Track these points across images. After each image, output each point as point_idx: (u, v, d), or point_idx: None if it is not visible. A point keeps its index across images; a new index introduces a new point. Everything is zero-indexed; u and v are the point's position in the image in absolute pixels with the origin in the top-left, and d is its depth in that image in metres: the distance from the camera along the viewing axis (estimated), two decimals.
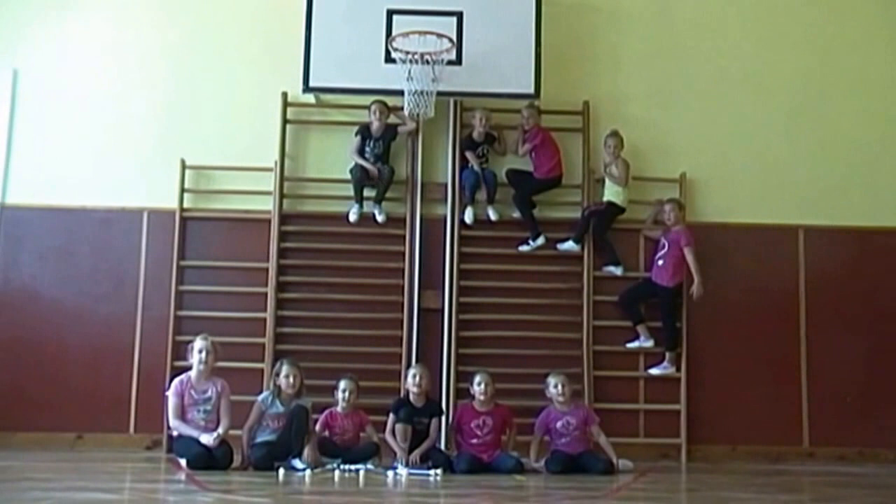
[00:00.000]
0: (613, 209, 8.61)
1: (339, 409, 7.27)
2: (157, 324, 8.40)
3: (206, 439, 6.81)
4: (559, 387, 7.34)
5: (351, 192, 8.53)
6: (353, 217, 8.52)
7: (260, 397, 7.18)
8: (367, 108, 8.50)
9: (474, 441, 7.24)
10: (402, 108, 8.34)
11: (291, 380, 7.07)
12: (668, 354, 8.52)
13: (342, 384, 7.27)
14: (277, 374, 7.15)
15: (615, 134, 8.62)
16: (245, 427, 7.03)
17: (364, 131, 8.56)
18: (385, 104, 8.50)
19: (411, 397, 7.30)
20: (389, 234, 8.64)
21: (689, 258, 8.41)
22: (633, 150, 8.75)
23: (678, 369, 8.53)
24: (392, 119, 8.61)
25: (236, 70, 8.84)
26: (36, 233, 8.58)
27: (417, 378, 7.30)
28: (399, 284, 8.56)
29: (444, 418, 7.59)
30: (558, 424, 7.31)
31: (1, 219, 8.57)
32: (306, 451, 6.91)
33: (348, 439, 7.21)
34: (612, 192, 8.60)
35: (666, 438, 8.47)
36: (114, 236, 8.62)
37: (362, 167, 8.46)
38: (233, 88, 8.82)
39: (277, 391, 7.12)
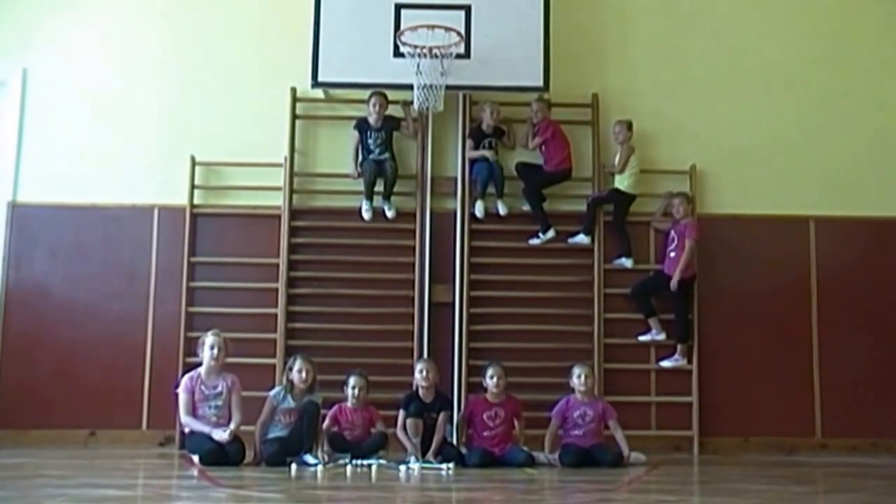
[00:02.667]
0: (620, 196, 8.59)
1: (348, 404, 7.26)
2: (169, 320, 8.42)
3: (218, 435, 6.83)
4: (582, 377, 7.33)
5: (360, 188, 8.54)
6: (366, 214, 8.53)
7: (272, 393, 7.19)
8: (367, 100, 8.48)
9: (486, 433, 7.24)
10: (411, 103, 8.34)
11: (304, 375, 7.08)
12: (679, 347, 8.50)
13: (351, 380, 7.25)
14: (290, 370, 7.16)
15: (620, 121, 8.63)
16: (258, 423, 7.04)
17: (362, 124, 8.55)
18: (384, 96, 8.49)
19: (420, 392, 7.30)
20: (400, 229, 8.64)
21: (687, 249, 8.35)
22: (643, 141, 8.74)
23: (690, 361, 8.51)
24: (394, 113, 8.60)
25: (245, 66, 8.85)
26: (47, 230, 8.61)
27: (425, 373, 7.31)
28: (409, 279, 8.56)
29: (453, 411, 7.59)
30: (575, 414, 7.31)
31: (12, 217, 8.59)
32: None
33: (358, 435, 7.19)
34: (615, 180, 8.61)
35: (678, 431, 8.45)
36: (124, 233, 8.64)
37: (373, 161, 8.46)
38: (242, 84, 8.82)
39: (290, 386, 7.13)
